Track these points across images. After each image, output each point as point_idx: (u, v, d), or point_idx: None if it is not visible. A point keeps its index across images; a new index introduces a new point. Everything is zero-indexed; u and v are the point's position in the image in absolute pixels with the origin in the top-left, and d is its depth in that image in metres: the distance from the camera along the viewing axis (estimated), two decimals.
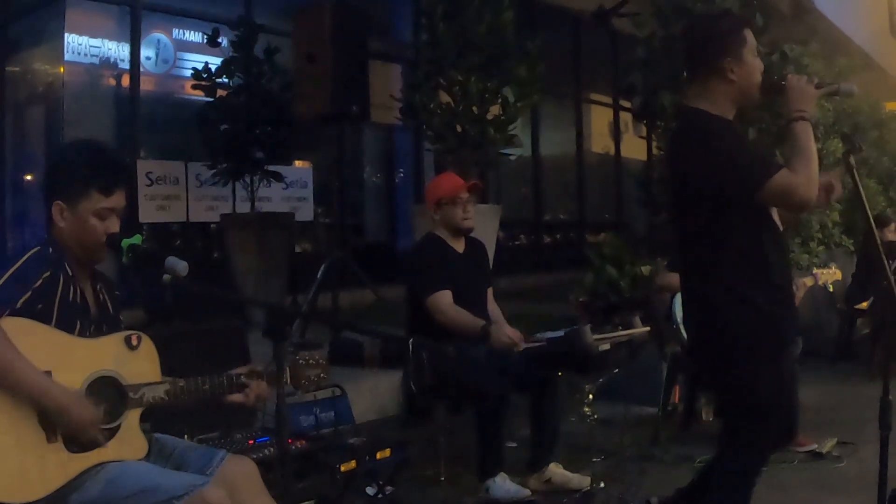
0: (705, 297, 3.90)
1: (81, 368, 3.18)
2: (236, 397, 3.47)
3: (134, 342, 3.36)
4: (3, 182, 10.89)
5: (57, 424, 3.08)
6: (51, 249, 3.34)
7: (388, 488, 4.99)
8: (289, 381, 3.54)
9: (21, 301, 3.13)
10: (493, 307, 5.93)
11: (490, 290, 5.99)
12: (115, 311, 3.60)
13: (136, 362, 3.34)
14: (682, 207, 3.97)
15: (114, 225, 3.41)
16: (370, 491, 5.00)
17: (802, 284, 6.67)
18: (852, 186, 3.99)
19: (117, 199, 3.42)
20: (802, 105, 3.73)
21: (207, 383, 3.42)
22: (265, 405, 4.87)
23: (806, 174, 3.64)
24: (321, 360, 3.69)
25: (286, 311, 3.55)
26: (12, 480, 2.97)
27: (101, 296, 3.54)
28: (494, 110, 9.16)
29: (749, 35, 3.86)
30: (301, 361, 3.64)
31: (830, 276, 6.87)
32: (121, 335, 3.36)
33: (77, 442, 3.13)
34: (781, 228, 3.95)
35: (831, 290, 7.15)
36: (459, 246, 5.83)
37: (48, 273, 3.24)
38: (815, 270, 6.90)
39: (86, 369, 3.19)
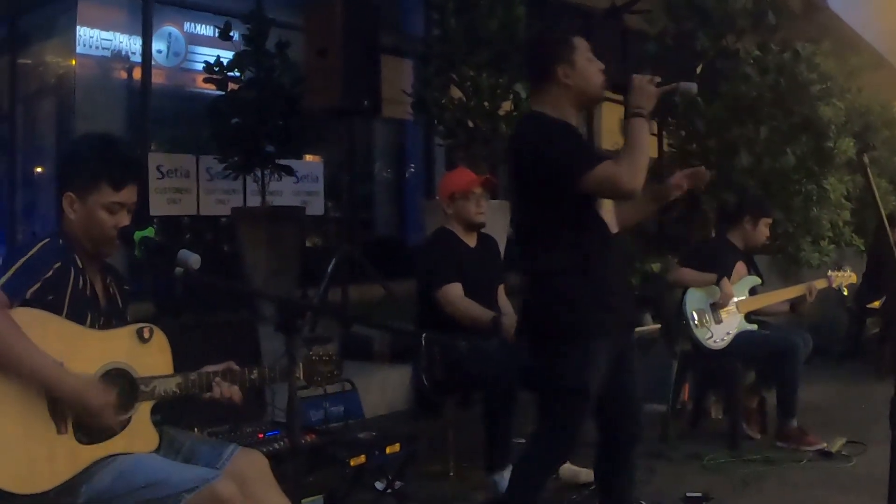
0: (530, 283, 4.19)
1: (93, 360, 3.18)
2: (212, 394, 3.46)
3: (146, 335, 3.36)
4: (14, 174, 10.93)
5: (71, 411, 3.09)
6: (61, 241, 3.33)
7: (397, 483, 5.00)
8: (301, 376, 3.55)
9: (31, 291, 3.12)
10: (504, 303, 5.91)
11: (501, 287, 5.98)
12: (124, 305, 3.60)
13: (148, 355, 3.35)
14: (517, 201, 4.25)
15: (123, 220, 3.39)
16: (379, 486, 5.01)
17: (813, 288, 6.67)
18: (865, 185, 4.08)
19: (127, 195, 3.40)
20: (642, 102, 3.95)
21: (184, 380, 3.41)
22: (274, 400, 4.91)
23: (629, 165, 3.86)
24: (334, 356, 3.69)
25: (298, 304, 3.52)
26: (22, 471, 2.98)
27: (110, 289, 3.54)
28: (506, 106, 9.15)
29: (579, 42, 4.12)
30: (314, 357, 3.64)
31: (845, 278, 6.87)
32: (133, 327, 3.36)
33: (89, 431, 3.14)
34: (616, 230, 4.18)
35: (846, 293, 7.13)
36: (471, 241, 5.83)
37: (59, 264, 3.24)
38: (829, 273, 6.90)
39: (98, 361, 3.19)
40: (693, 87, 4.13)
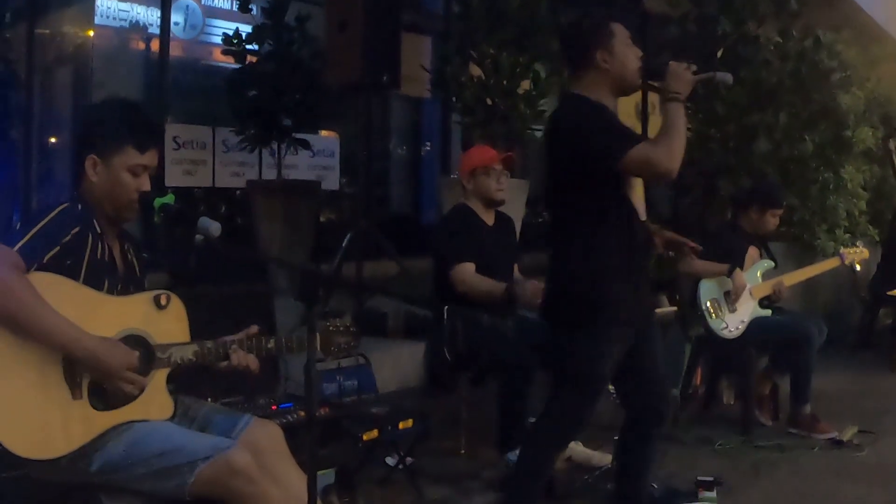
0: (555, 264, 4.22)
1: (110, 326, 3.18)
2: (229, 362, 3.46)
3: (163, 302, 3.36)
4: (30, 144, 10.91)
5: (88, 374, 3.08)
6: (79, 206, 3.33)
7: (409, 459, 5.00)
8: (319, 347, 3.53)
9: (48, 256, 3.12)
10: (518, 277, 5.89)
11: (516, 267, 5.96)
12: (141, 273, 3.61)
13: (165, 322, 3.35)
14: (551, 182, 4.27)
15: (145, 183, 3.40)
16: (390, 461, 5.01)
17: (781, 284, 6.62)
18: (890, 170, 4.08)
19: (150, 158, 3.42)
20: (679, 88, 4.01)
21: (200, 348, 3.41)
22: (288, 372, 4.92)
23: (667, 147, 3.91)
24: (352, 328, 3.69)
25: (320, 274, 3.52)
26: (36, 436, 2.98)
27: (128, 255, 3.54)
28: (525, 84, 9.10)
29: (618, 28, 4.14)
30: (332, 328, 3.63)
31: (857, 254, 6.85)
32: (150, 294, 3.36)
33: (104, 397, 3.14)
34: (644, 217, 4.21)
35: (858, 268, 7.11)
36: (489, 218, 5.82)
37: (77, 229, 3.24)
38: (842, 250, 6.88)
39: (115, 327, 3.19)
40: (728, 77, 4.21)
